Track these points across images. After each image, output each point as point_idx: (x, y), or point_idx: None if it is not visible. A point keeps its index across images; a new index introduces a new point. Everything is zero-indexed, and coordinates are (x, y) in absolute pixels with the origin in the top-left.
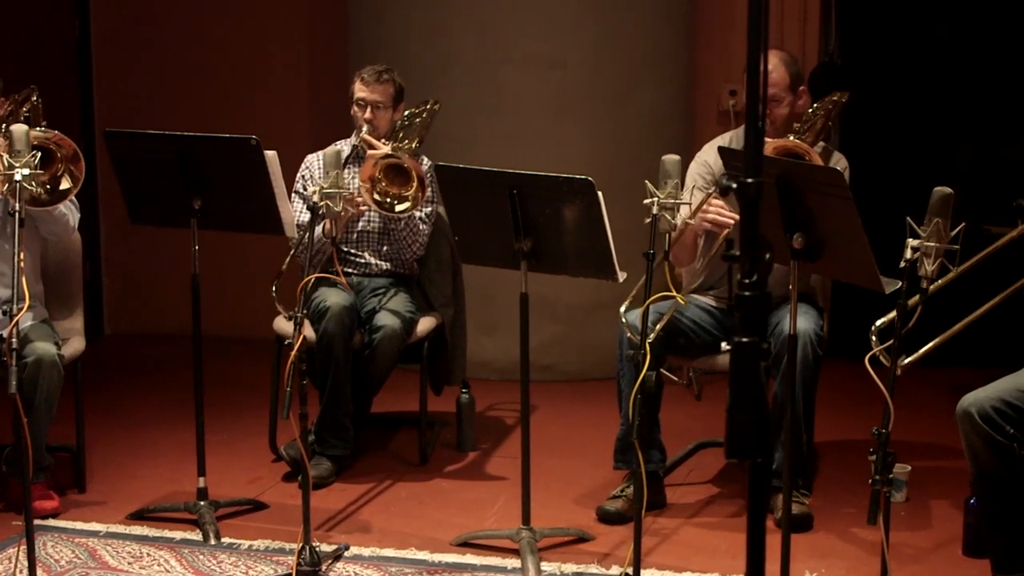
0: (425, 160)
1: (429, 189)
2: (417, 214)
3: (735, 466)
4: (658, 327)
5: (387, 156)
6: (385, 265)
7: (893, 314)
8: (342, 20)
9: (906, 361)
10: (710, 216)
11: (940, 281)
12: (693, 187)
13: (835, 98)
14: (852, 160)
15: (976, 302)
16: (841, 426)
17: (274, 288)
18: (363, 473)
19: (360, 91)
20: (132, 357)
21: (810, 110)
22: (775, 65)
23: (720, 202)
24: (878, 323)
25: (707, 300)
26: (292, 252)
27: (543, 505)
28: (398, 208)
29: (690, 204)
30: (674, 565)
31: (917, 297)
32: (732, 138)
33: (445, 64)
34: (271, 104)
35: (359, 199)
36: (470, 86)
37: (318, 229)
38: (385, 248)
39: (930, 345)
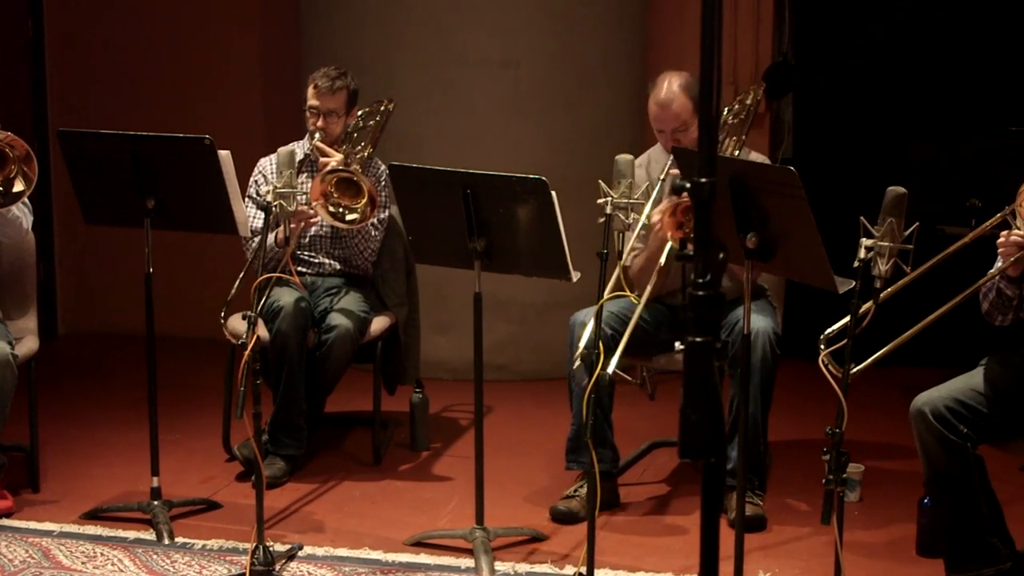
0: (380, 165)
1: (380, 200)
2: (370, 219)
3: (689, 466)
4: (622, 344)
5: (336, 171)
6: (338, 265)
7: (842, 322)
8: (295, 20)
9: (854, 369)
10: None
11: (890, 289)
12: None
13: (748, 101)
14: (806, 159)
15: (928, 303)
16: (795, 426)
17: (223, 315)
18: (317, 473)
19: (313, 98)
20: (86, 357)
21: (725, 113)
22: (674, 95)
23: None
24: (827, 332)
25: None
26: (248, 263)
27: (497, 505)
28: (348, 218)
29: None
30: (628, 565)
31: (870, 303)
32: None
33: (398, 64)
34: (225, 104)
35: (311, 212)
36: (423, 86)
37: (270, 238)
38: (338, 251)
39: (884, 350)
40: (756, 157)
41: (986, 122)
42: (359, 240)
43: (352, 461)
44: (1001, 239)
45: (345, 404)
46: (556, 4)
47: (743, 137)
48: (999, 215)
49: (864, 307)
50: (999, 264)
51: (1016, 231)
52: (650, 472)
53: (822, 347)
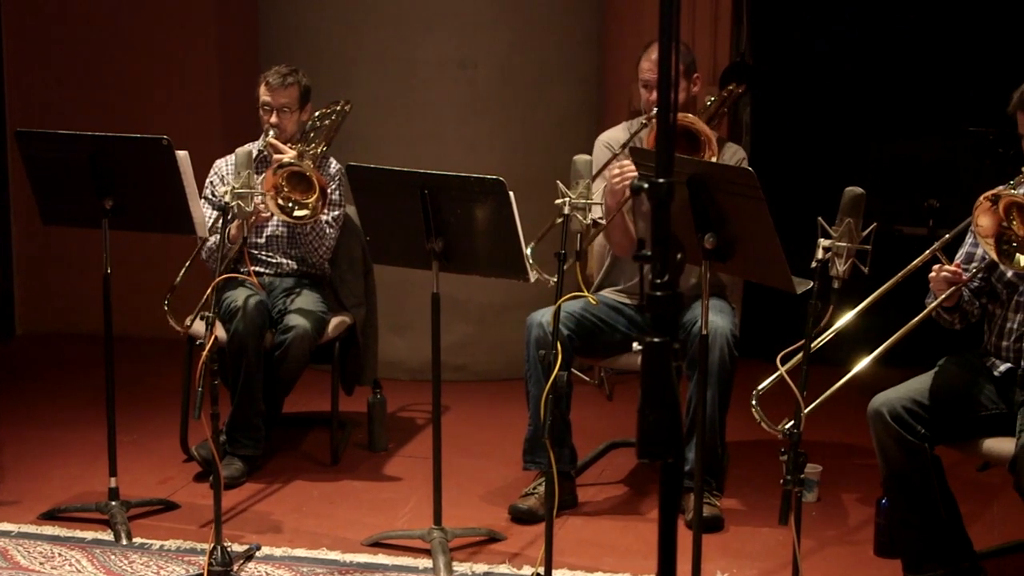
0: (333, 163)
1: (333, 195)
2: (323, 218)
3: (647, 466)
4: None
5: (287, 165)
6: (295, 265)
7: (799, 344)
8: (253, 20)
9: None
10: (616, 181)
11: (830, 332)
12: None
13: (731, 88)
14: (764, 160)
15: (884, 304)
16: (752, 426)
17: (166, 302)
18: (274, 473)
19: (265, 95)
20: (43, 357)
21: (708, 101)
22: None
23: (627, 162)
24: (760, 388)
25: (617, 297)
26: (195, 253)
27: (454, 505)
28: (297, 213)
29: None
30: (585, 565)
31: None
32: (629, 127)
33: (355, 64)
34: (182, 104)
35: (261, 206)
36: (380, 86)
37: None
38: (295, 251)
39: (842, 381)
40: (732, 148)
41: (944, 123)
42: (314, 237)
43: (310, 461)
44: (932, 274)
45: (303, 404)
46: (513, 5)
47: (715, 119)
48: (950, 234)
49: (822, 306)
50: (932, 297)
51: (945, 267)
52: (608, 472)
53: (779, 364)
